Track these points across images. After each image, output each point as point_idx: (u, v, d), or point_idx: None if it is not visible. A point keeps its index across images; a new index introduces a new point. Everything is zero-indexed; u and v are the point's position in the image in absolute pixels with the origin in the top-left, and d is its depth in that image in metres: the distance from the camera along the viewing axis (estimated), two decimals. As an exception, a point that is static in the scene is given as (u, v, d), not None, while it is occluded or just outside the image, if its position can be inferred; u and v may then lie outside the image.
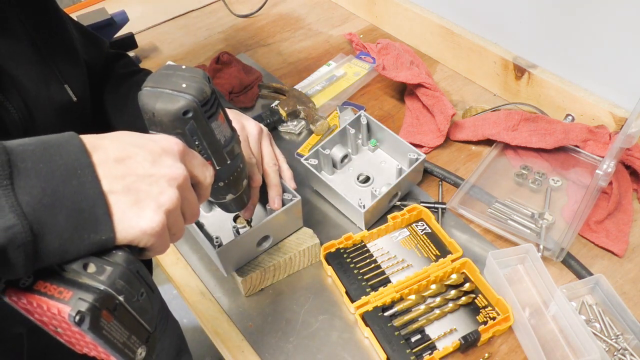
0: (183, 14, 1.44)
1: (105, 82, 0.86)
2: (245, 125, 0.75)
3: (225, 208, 0.70)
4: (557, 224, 0.85)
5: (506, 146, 0.97)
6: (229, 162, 0.60)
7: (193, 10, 1.45)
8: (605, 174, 0.77)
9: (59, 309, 0.39)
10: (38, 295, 0.40)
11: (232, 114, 0.77)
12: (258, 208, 0.85)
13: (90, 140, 0.44)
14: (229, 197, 0.65)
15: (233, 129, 0.61)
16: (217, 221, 0.84)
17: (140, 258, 0.47)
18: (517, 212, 0.87)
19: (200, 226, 0.79)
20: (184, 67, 0.54)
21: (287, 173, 0.80)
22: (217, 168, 0.59)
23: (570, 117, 1.00)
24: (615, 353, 0.71)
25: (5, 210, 0.37)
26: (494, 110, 1.03)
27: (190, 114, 0.51)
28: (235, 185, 0.64)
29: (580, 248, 0.83)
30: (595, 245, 0.83)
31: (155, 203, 0.45)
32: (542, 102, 1.04)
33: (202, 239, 0.75)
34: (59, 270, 0.41)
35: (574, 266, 0.80)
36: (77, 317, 0.39)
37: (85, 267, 0.42)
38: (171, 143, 0.49)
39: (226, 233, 0.82)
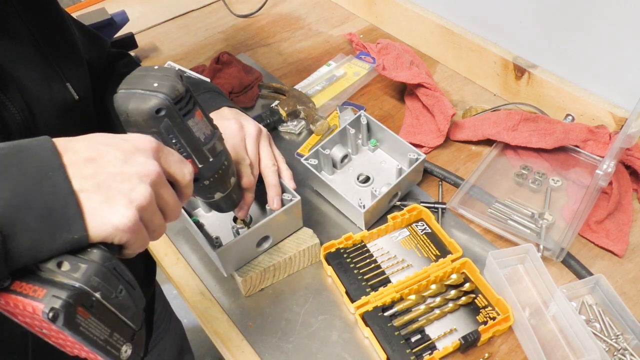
0: (183, 14, 1.44)
1: (107, 81, 0.86)
2: (244, 125, 0.75)
3: (217, 208, 0.70)
4: (557, 224, 0.85)
5: (506, 146, 0.97)
6: (211, 159, 0.60)
7: (193, 10, 1.45)
8: (605, 174, 0.77)
9: (34, 307, 0.40)
10: (14, 295, 0.41)
11: (232, 113, 0.77)
12: (258, 208, 0.85)
13: (61, 142, 0.45)
14: (218, 195, 0.65)
15: (214, 127, 0.61)
16: (217, 221, 0.84)
17: (121, 257, 0.48)
18: (517, 212, 0.87)
19: (200, 226, 0.79)
20: (156, 67, 0.55)
21: (286, 173, 0.80)
22: (200, 166, 0.59)
23: (570, 117, 1.00)
24: (615, 353, 0.71)
25: None
26: (494, 110, 1.03)
27: (163, 112, 0.52)
28: (221, 183, 0.64)
29: (580, 248, 0.83)
30: (595, 245, 0.83)
31: (127, 199, 0.45)
32: (542, 102, 1.04)
33: (202, 240, 0.75)
34: (35, 270, 0.42)
35: (574, 266, 0.80)
36: (51, 314, 0.39)
37: (59, 265, 0.42)
38: (144, 141, 0.49)
39: (226, 233, 0.82)
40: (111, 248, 0.46)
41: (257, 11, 1.41)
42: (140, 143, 0.49)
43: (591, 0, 0.89)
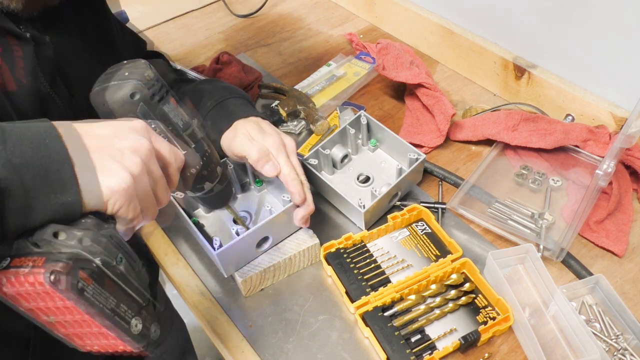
0: (183, 14, 1.44)
1: None
2: (266, 140, 0.76)
3: (210, 202, 0.70)
4: (557, 224, 0.85)
5: (506, 146, 0.97)
6: (193, 145, 0.61)
7: (193, 10, 1.45)
8: (605, 174, 0.77)
9: (35, 275, 0.40)
10: (14, 269, 0.41)
11: (256, 126, 0.78)
12: (258, 209, 0.85)
13: (57, 122, 0.47)
14: (207, 185, 0.66)
15: (190, 115, 0.62)
16: (217, 222, 0.84)
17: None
18: (517, 212, 0.87)
19: (200, 227, 0.79)
20: (125, 62, 0.57)
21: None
22: (183, 152, 0.59)
23: (570, 117, 1.00)
24: (615, 353, 0.71)
25: None
26: (494, 110, 1.03)
27: (137, 96, 0.54)
28: (208, 171, 0.65)
29: (580, 248, 0.83)
30: (595, 245, 0.83)
31: (120, 165, 0.47)
32: (542, 102, 1.04)
33: (202, 241, 0.75)
34: (32, 246, 0.43)
35: (574, 266, 0.80)
36: (52, 277, 0.40)
37: (56, 235, 0.43)
38: (134, 121, 0.51)
39: (226, 234, 0.82)
40: (104, 220, 0.46)
41: (257, 11, 1.41)
42: (130, 123, 0.51)
43: (592, 0, 0.89)
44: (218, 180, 0.67)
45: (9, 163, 0.42)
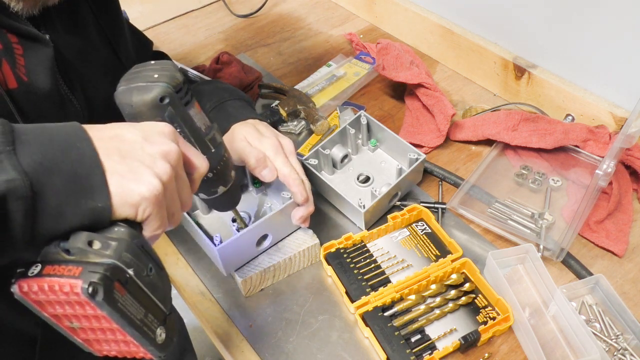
0: (183, 14, 1.44)
1: None
2: (263, 142, 0.76)
3: (219, 204, 0.70)
4: (557, 224, 0.85)
5: (506, 146, 0.97)
6: (213, 150, 0.61)
7: (193, 10, 1.45)
8: (605, 174, 0.77)
9: (71, 285, 0.39)
10: (48, 277, 0.41)
11: (253, 129, 0.78)
12: (257, 207, 0.85)
13: (86, 125, 0.47)
14: (221, 189, 0.66)
15: (211, 120, 0.62)
16: (216, 223, 0.84)
17: None
18: (517, 212, 0.87)
19: (199, 226, 0.79)
20: (152, 62, 0.56)
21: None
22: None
23: (570, 117, 1.00)
24: (615, 353, 0.71)
25: (7, 168, 0.40)
26: (494, 110, 1.03)
27: (167, 100, 0.53)
28: (223, 175, 0.65)
29: (580, 248, 0.83)
30: (595, 245, 0.83)
31: (151, 170, 0.46)
32: (542, 102, 1.04)
33: (202, 239, 0.75)
34: (65, 254, 0.42)
35: (574, 266, 0.80)
36: (90, 289, 0.39)
37: (90, 244, 0.42)
38: (161, 125, 0.51)
39: (225, 233, 0.82)
40: (133, 227, 0.46)
41: (257, 11, 1.41)
42: (158, 127, 0.50)
43: (592, 0, 0.89)
44: (232, 183, 0.67)
45: (41, 166, 0.41)
